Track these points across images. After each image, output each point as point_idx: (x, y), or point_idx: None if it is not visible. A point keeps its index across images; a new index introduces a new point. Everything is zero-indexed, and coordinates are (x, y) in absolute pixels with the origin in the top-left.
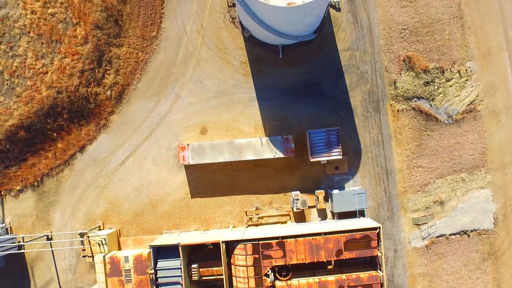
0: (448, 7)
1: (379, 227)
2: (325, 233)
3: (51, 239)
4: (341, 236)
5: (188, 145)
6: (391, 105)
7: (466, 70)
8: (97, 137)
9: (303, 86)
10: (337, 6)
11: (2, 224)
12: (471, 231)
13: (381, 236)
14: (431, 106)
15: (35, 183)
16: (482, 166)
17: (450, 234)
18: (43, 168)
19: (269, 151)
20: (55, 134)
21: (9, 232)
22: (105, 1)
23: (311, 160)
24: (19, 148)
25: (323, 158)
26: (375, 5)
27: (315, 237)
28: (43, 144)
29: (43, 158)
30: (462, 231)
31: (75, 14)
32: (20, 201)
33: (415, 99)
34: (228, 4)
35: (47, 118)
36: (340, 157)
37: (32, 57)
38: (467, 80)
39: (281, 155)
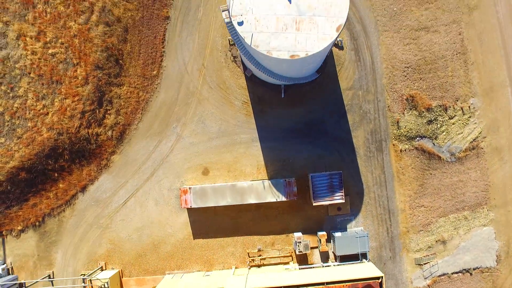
0: (451, 43)
1: (382, 277)
2: (328, 283)
3: (53, 278)
4: (343, 285)
5: (190, 188)
6: (394, 145)
7: (469, 107)
8: (99, 177)
9: (306, 126)
10: (340, 45)
11: (3, 265)
12: (474, 269)
13: (384, 286)
14: (434, 144)
15: (37, 223)
16: (484, 204)
17: (452, 273)
18: (44, 208)
19: (272, 195)
20: (56, 175)
21: (10, 272)
22: (106, 40)
23: (314, 204)
24: (20, 188)
25: (325, 203)
26: (378, 43)
27: (317, 286)
28: (45, 184)
29: (44, 198)
30: (465, 270)
31: (75, 55)
32: (21, 241)
33: (418, 138)
34: (229, 43)
35: (48, 159)
36: (343, 201)
37: (32, 98)
38: (470, 117)
39: (283, 198)
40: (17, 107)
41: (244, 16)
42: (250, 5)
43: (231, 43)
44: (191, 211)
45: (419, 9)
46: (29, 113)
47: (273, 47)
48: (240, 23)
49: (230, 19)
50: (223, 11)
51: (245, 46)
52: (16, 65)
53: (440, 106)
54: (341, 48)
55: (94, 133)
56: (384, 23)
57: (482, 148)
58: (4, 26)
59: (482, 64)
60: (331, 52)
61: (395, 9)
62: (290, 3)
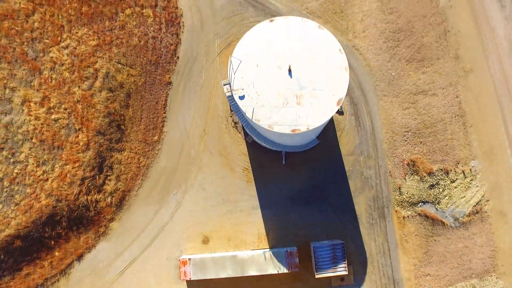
0: (449, 106)
1: None
2: None
3: None
4: None
5: (189, 259)
6: (396, 211)
7: (470, 169)
8: (96, 245)
9: (307, 193)
10: (340, 110)
11: None
12: None
13: None
14: (437, 210)
15: None
16: (492, 271)
17: None
18: (37, 278)
19: (273, 267)
20: (52, 242)
21: None
22: (108, 106)
23: (316, 276)
24: (14, 257)
25: (328, 275)
26: (377, 108)
27: None
28: (40, 252)
29: (38, 267)
30: None
31: (78, 120)
32: None
33: (420, 203)
34: (230, 109)
35: (45, 227)
36: (346, 272)
37: (33, 164)
38: (471, 180)
39: (285, 270)
40: (17, 173)
41: (246, 90)
42: (251, 79)
43: (231, 108)
44: (190, 282)
45: (416, 73)
46: (29, 179)
47: (274, 121)
48: (242, 97)
49: (232, 93)
50: (224, 85)
51: (246, 119)
52: (19, 130)
53: (441, 170)
54: (341, 113)
55: (93, 199)
56: (383, 88)
57: (486, 212)
58: (10, 92)
59: (480, 126)
60: (331, 118)
61: (393, 74)
62: (291, 77)
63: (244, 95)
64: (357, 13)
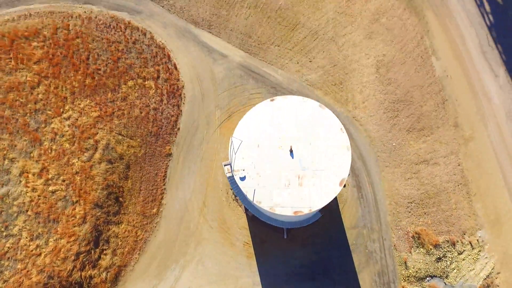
0: (451, 175)
1: None
2: None
3: None
4: None
5: None
6: (403, 287)
7: (477, 240)
8: None
9: (309, 269)
10: None
11: None
12: None
13: None
14: (445, 284)
15: None
16: None
17: None
18: None
19: None
20: None
21: None
22: (107, 178)
23: None
24: None
25: None
26: (379, 179)
27: None
28: None
29: None
30: None
31: (75, 192)
32: None
33: (428, 278)
34: None
35: None
36: None
37: (26, 237)
38: (479, 251)
39: None
40: (8, 247)
41: (247, 171)
42: (253, 160)
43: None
44: None
45: (417, 143)
46: (21, 253)
47: (276, 203)
48: (242, 178)
49: (232, 174)
50: (225, 165)
51: (247, 200)
52: (15, 202)
53: (448, 241)
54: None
55: (87, 275)
56: (384, 159)
57: (498, 286)
58: (9, 162)
59: (485, 194)
60: None
61: (394, 144)
62: (293, 158)
63: (245, 176)
64: (356, 84)
